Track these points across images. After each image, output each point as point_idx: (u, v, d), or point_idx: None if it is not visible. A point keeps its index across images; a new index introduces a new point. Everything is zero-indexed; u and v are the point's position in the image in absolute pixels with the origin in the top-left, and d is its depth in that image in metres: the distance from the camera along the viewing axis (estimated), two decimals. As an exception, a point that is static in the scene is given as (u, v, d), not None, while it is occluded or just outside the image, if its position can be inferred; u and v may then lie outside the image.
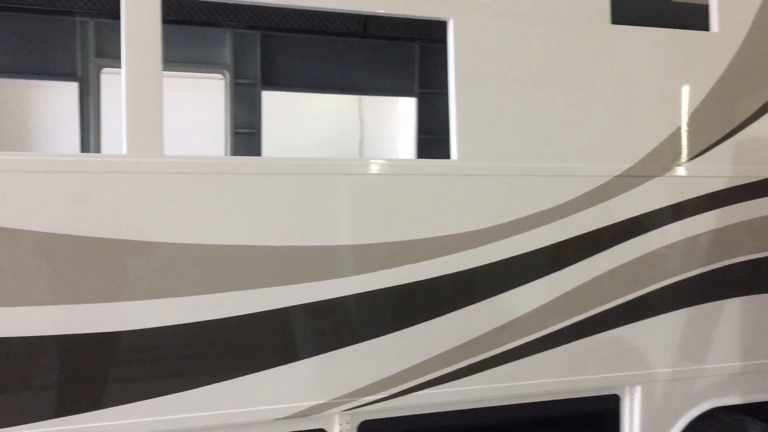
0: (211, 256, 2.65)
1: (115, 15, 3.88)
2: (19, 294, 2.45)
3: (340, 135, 7.00)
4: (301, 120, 6.69)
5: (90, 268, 2.52)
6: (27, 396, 2.51)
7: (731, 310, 3.40)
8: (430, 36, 4.39)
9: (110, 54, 4.24)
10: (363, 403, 2.89)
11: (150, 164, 2.57)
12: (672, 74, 3.30)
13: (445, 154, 3.06)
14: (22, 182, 2.45)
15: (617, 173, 3.20)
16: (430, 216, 2.95)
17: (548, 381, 3.16)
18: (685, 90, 3.31)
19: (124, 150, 2.57)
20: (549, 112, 3.13)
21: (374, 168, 2.95)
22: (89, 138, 4.32)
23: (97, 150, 4.32)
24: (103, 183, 2.54)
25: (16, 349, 2.47)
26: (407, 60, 4.66)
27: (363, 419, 2.95)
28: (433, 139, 4.76)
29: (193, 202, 2.64)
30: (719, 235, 3.34)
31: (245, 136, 4.65)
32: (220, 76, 4.60)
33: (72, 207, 2.50)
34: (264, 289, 2.74)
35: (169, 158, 2.61)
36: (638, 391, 3.33)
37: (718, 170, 3.34)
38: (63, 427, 2.53)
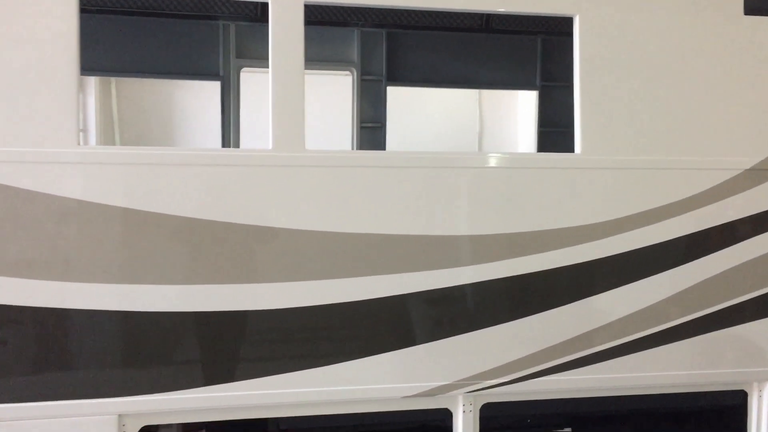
0: (345, 244, 2.86)
1: (254, 18, 4.20)
2: (161, 273, 2.75)
3: (459, 128, 7.11)
4: (423, 114, 6.85)
5: (235, 251, 2.80)
6: (166, 366, 2.81)
7: None
8: (552, 29, 4.43)
9: (249, 54, 4.56)
10: (486, 386, 3.03)
11: (293, 158, 2.81)
12: None
13: (565, 146, 3.12)
14: (181, 174, 2.76)
15: (748, 166, 3.15)
16: (553, 208, 3.04)
17: (673, 374, 3.17)
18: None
19: (269, 145, 2.82)
20: (676, 105, 3.13)
21: (493, 161, 3.07)
22: (229, 133, 4.67)
23: (236, 144, 4.66)
24: (252, 175, 2.81)
25: (156, 322, 2.77)
26: (529, 53, 4.71)
27: (485, 401, 3.08)
28: (554, 132, 4.79)
29: (328, 193, 2.86)
30: None
31: (370, 130, 4.87)
32: (347, 72, 4.82)
33: (222, 196, 2.78)
34: (391, 275, 2.92)
35: (310, 152, 2.84)
36: (767, 387, 3.27)
37: None
38: (198, 395, 2.82)
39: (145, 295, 2.73)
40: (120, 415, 2.75)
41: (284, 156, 2.81)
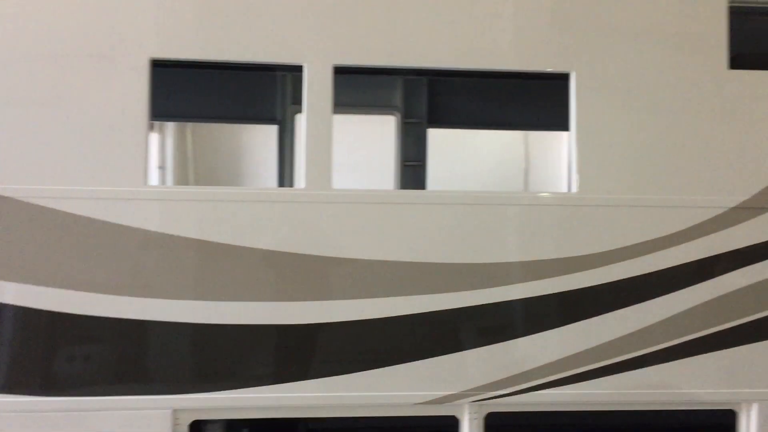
0: (366, 269, 3.33)
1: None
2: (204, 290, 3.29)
3: (506, 165, 7.50)
4: (472, 150, 7.27)
5: (274, 274, 3.33)
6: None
7: None
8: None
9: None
10: (490, 396, 3.41)
11: (321, 196, 3.32)
12: None
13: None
14: (236, 209, 3.32)
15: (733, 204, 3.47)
16: (554, 240, 3.44)
17: (662, 392, 3.46)
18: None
19: (303, 184, 3.34)
20: (677, 148, 3.50)
21: (513, 200, 3.54)
22: (285, 172, 5.23)
23: (291, 183, 5.21)
24: (288, 210, 3.33)
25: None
26: (562, 95, 5.07)
27: (490, 411, 3.46)
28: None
29: (353, 225, 3.36)
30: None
31: (412, 168, 5.32)
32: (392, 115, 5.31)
33: (266, 229, 3.32)
34: (414, 296, 3.37)
35: (335, 191, 3.34)
36: (755, 408, 3.51)
37: None
38: (241, 395, 3.30)
39: (182, 308, 3.27)
40: (174, 410, 3.28)
41: (313, 194, 3.32)
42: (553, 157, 7.43)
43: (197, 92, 4.97)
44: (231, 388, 3.31)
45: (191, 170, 7.02)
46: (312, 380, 3.35)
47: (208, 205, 3.31)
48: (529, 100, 5.16)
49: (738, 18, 3.54)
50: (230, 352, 3.33)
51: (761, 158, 3.49)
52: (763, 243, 3.46)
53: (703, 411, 3.55)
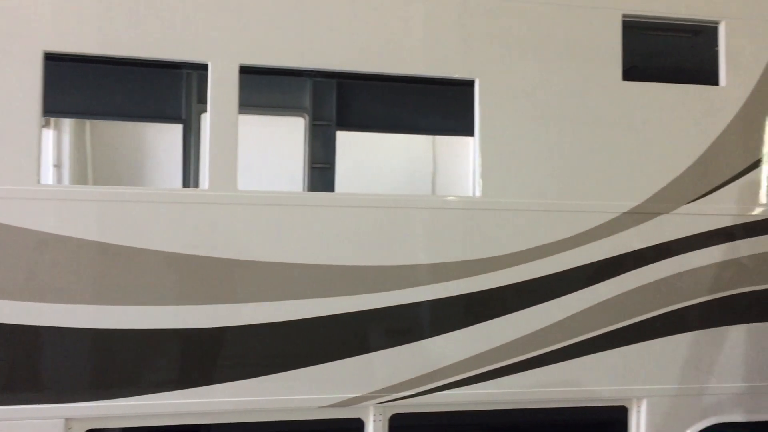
0: (267, 271, 3.29)
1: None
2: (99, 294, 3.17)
3: (415, 169, 7.61)
4: (382, 154, 7.34)
5: (177, 277, 3.24)
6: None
7: (735, 335, 3.73)
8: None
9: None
10: (393, 398, 3.44)
11: (225, 197, 3.26)
12: (682, 123, 3.71)
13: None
14: (137, 210, 3.21)
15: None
16: (459, 242, 3.50)
17: (560, 390, 3.59)
18: (693, 137, 3.71)
19: (206, 185, 3.27)
20: (573, 155, 3.62)
21: (418, 203, 3.56)
22: (189, 172, 5.11)
23: (196, 184, 5.10)
24: (194, 212, 3.26)
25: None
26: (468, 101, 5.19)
27: (394, 412, 3.49)
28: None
29: (259, 227, 3.31)
30: (724, 267, 3.69)
31: (321, 170, 5.31)
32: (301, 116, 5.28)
33: (169, 230, 3.22)
34: (318, 299, 3.35)
35: (241, 192, 3.29)
36: (645, 403, 3.70)
37: (723, 209, 3.70)
38: (137, 402, 3.20)
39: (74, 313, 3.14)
40: (67, 419, 3.14)
41: (218, 195, 3.26)
42: (460, 162, 7.59)
43: (97, 88, 4.79)
44: (129, 395, 3.20)
45: (90, 169, 6.75)
46: (215, 385, 3.28)
47: (108, 205, 3.19)
48: (437, 105, 5.25)
49: (631, 32, 3.71)
50: (129, 357, 3.22)
51: (651, 166, 3.67)
52: (651, 246, 3.64)
53: (599, 407, 3.70)
